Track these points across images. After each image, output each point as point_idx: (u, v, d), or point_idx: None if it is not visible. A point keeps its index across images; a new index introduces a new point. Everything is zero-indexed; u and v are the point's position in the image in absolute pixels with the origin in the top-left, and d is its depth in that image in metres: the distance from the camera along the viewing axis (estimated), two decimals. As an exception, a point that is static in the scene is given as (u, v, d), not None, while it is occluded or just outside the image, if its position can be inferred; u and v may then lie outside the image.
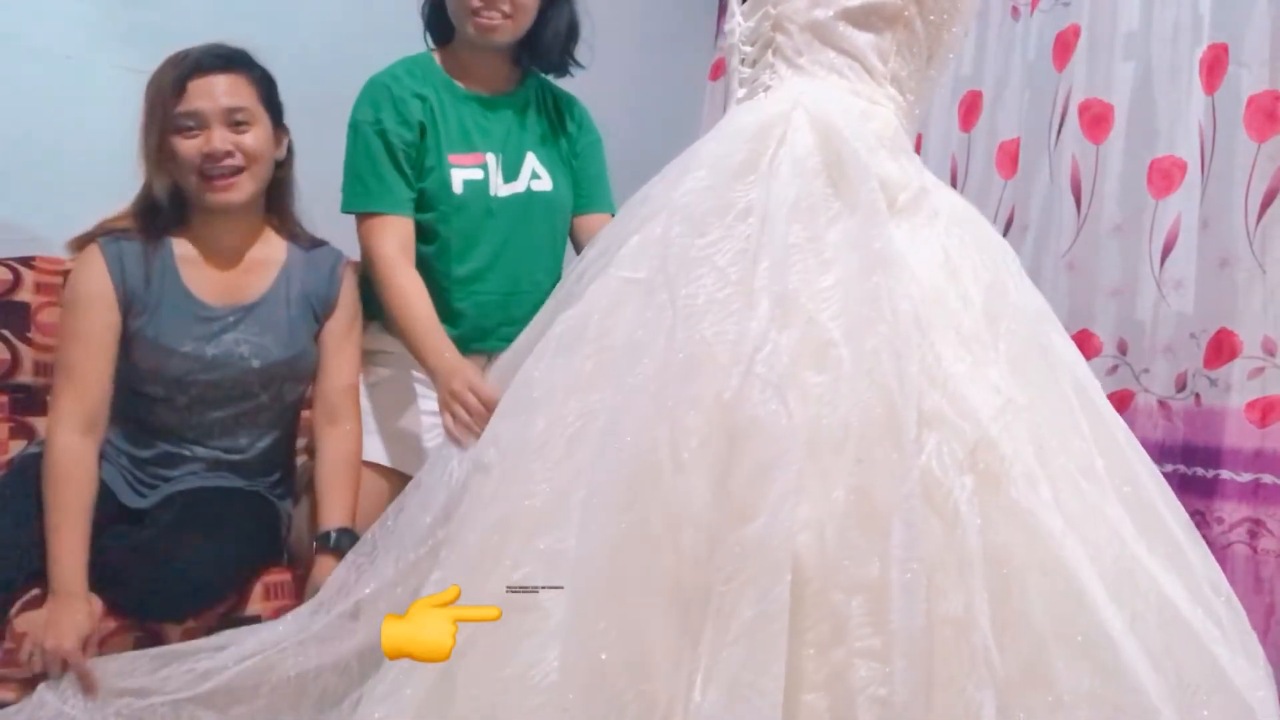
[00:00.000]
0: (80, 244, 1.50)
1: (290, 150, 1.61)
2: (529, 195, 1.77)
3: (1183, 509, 1.08)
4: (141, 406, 1.54)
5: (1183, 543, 1.03)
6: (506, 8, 1.68)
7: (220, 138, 1.48)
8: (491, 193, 1.74)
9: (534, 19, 1.73)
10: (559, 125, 1.85)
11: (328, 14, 2.29)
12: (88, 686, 1.30)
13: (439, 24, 1.80)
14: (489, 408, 1.37)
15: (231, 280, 1.57)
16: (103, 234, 1.50)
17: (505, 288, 1.75)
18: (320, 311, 1.62)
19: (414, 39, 1.87)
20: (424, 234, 1.72)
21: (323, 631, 1.20)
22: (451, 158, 1.72)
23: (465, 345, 1.68)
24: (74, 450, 1.43)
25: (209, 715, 1.22)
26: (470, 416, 1.44)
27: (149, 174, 1.49)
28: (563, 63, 1.81)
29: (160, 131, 1.47)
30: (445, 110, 1.74)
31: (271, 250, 1.61)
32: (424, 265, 1.73)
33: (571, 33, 1.79)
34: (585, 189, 1.87)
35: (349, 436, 1.61)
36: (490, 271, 1.75)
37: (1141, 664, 0.90)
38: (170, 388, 1.52)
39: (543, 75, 1.85)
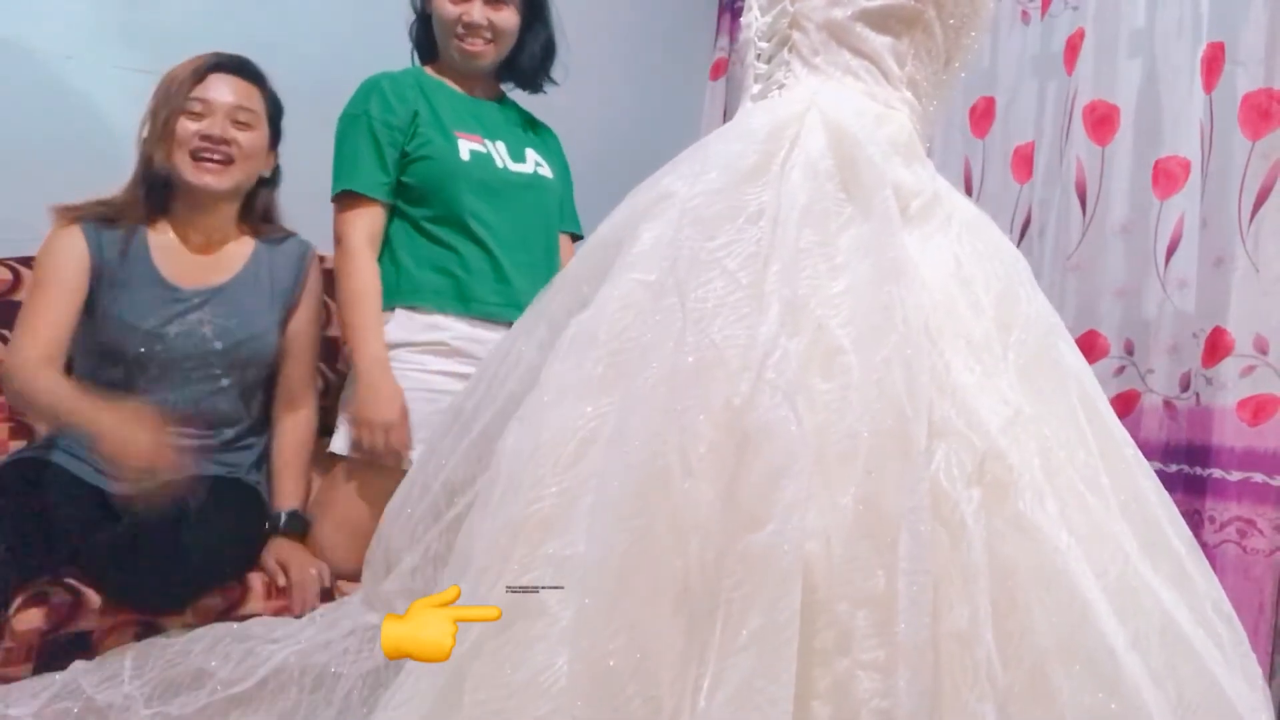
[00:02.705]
0: (65, 212, 1.54)
1: (276, 173, 1.69)
2: (536, 177, 1.86)
3: (1186, 526, 1.08)
4: (108, 386, 1.53)
5: (1186, 560, 1.04)
6: (488, 34, 1.82)
7: (221, 125, 1.55)
8: (499, 165, 1.82)
9: (514, 42, 1.87)
10: (539, 136, 1.97)
11: (326, 14, 2.31)
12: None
13: (426, 43, 1.92)
14: (398, 451, 1.63)
15: (201, 263, 1.62)
16: (91, 209, 1.54)
17: (504, 259, 1.80)
18: (286, 300, 1.68)
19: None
20: (426, 199, 1.78)
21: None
22: (456, 132, 1.80)
23: (480, 305, 1.77)
24: (33, 368, 1.46)
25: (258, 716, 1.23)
26: (382, 450, 1.63)
27: (150, 149, 1.55)
28: (537, 82, 1.95)
29: (170, 111, 1.53)
30: (442, 100, 1.83)
31: (242, 244, 1.68)
32: (426, 233, 1.77)
33: (547, 54, 1.94)
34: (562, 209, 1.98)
35: (306, 423, 1.72)
36: (490, 240, 1.79)
37: (1143, 681, 0.90)
38: (130, 368, 1.54)
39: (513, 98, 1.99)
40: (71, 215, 1.54)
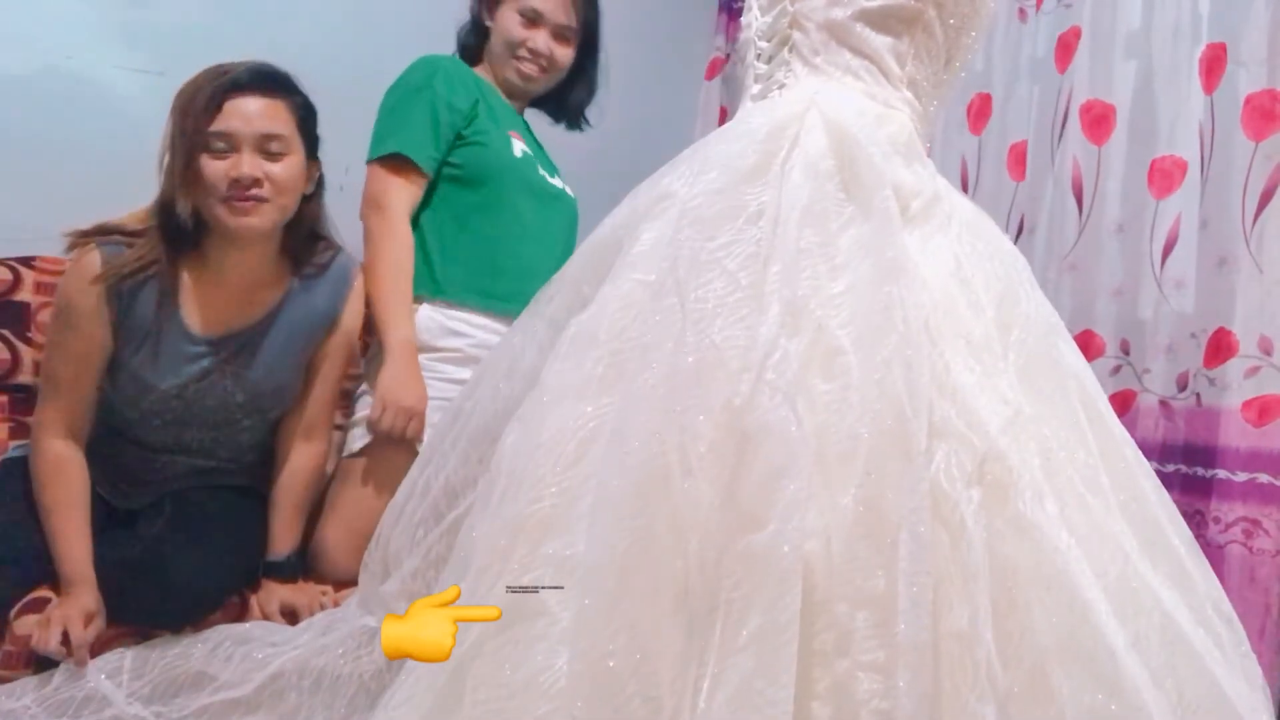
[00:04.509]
0: (79, 239, 1.42)
1: (320, 184, 1.55)
2: (565, 194, 1.92)
3: (1186, 526, 1.08)
4: (119, 420, 1.51)
5: (1186, 560, 1.04)
6: (545, 63, 1.87)
7: (250, 163, 1.40)
8: (540, 173, 1.86)
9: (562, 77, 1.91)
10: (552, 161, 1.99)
11: (326, 13, 2.31)
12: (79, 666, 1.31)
13: (474, 49, 1.93)
14: (414, 439, 1.59)
15: (228, 308, 1.50)
16: (101, 235, 1.42)
17: (533, 261, 1.80)
18: (321, 330, 1.58)
19: (412, 35, 1.97)
20: (474, 186, 1.77)
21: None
22: (509, 131, 1.82)
23: (502, 303, 1.75)
24: (61, 454, 1.42)
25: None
26: (398, 434, 1.58)
27: (172, 192, 1.41)
28: (578, 119, 2.01)
29: (190, 149, 1.39)
30: (494, 100, 1.85)
31: (276, 282, 1.54)
32: (463, 222, 1.78)
33: (590, 94, 1.99)
34: None
35: (319, 458, 1.62)
36: (526, 239, 1.81)
37: (1143, 681, 0.90)
38: (145, 414, 1.49)
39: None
40: (84, 237, 1.41)
